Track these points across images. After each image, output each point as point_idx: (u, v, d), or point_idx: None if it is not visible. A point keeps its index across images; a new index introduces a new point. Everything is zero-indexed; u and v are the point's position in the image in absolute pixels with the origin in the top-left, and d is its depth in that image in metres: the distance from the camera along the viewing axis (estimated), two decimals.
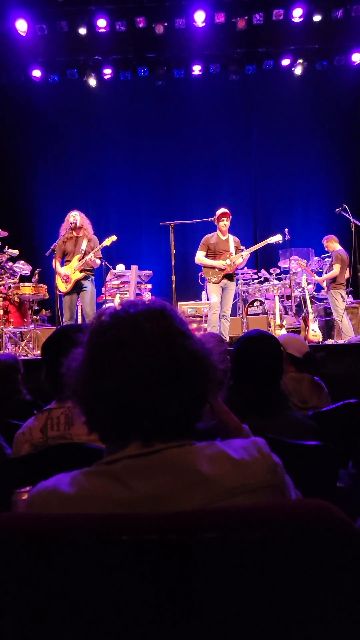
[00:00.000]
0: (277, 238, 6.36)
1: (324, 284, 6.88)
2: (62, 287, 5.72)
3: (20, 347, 5.93)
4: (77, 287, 5.71)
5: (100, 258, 5.80)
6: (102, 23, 7.66)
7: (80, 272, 5.67)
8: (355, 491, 1.65)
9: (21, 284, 6.22)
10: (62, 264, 5.75)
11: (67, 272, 5.67)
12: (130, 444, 0.82)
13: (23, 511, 1.04)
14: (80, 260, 5.63)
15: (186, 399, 0.83)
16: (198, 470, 0.80)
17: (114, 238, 5.86)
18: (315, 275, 7.00)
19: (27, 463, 1.49)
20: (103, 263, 6.18)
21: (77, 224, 5.68)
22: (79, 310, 6.31)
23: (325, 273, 6.94)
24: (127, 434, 0.82)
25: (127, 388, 0.80)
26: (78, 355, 0.88)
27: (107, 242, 5.79)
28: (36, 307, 6.72)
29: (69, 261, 5.71)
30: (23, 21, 7.59)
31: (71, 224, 5.66)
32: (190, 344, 0.85)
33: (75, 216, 5.70)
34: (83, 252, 5.67)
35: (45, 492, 0.82)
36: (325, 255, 7.30)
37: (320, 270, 7.33)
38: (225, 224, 5.88)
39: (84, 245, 5.69)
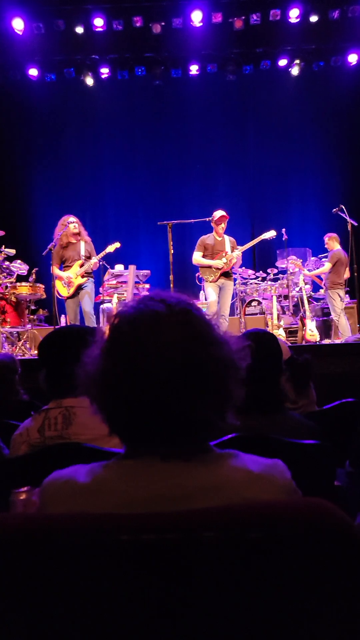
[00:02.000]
0: (271, 234, 6.37)
1: (322, 283, 6.89)
2: (63, 291, 5.74)
3: (17, 347, 5.91)
4: (78, 289, 5.74)
5: (100, 261, 5.85)
6: (99, 22, 7.65)
7: (82, 277, 5.71)
8: (353, 490, 1.65)
9: (18, 284, 6.20)
10: (61, 270, 5.78)
11: (70, 275, 5.69)
12: (151, 446, 0.81)
13: (21, 511, 1.04)
14: (82, 267, 5.66)
15: (210, 405, 0.81)
16: (217, 477, 0.79)
17: (117, 245, 5.89)
18: (305, 270, 7.02)
19: (24, 463, 1.49)
20: (101, 262, 6.20)
21: (77, 231, 5.72)
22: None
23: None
24: (149, 439, 0.81)
25: (149, 395, 0.78)
26: (95, 357, 0.84)
27: (111, 248, 5.84)
28: (33, 307, 6.70)
29: (69, 267, 5.73)
30: (19, 20, 7.56)
31: (69, 229, 5.67)
32: (215, 349, 0.81)
33: (75, 224, 5.71)
34: (84, 257, 5.68)
35: (61, 481, 0.81)
36: (323, 255, 7.31)
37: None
38: (223, 227, 5.93)
39: (82, 250, 5.71)
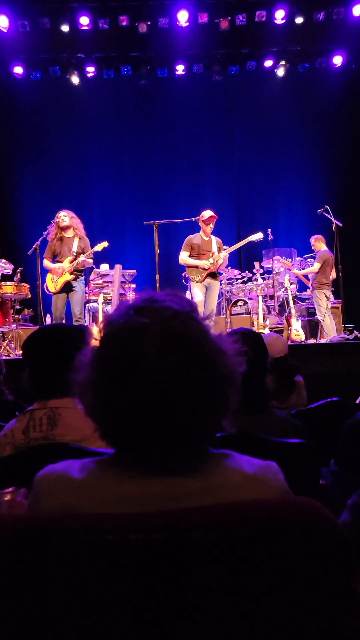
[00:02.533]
0: (258, 236, 6.39)
1: (309, 283, 6.95)
2: (51, 287, 5.68)
3: (2, 347, 5.86)
4: (67, 288, 5.66)
5: (92, 259, 5.79)
6: (84, 21, 7.61)
7: (71, 273, 5.64)
8: (337, 488, 1.66)
9: (3, 283, 6.15)
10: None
11: (63, 266, 5.60)
12: (148, 451, 0.79)
13: (6, 512, 1.03)
14: (72, 262, 5.59)
15: (209, 416, 0.80)
16: (212, 478, 0.79)
17: (105, 244, 5.83)
18: (294, 269, 7.07)
19: (9, 464, 1.47)
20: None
21: (64, 224, 5.63)
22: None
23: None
24: (142, 447, 0.79)
25: (145, 409, 0.75)
26: (86, 364, 0.82)
27: (99, 247, 5.77)
28: (18, 307, 6.65)
29: (60, 261, 5.67)
30: (4, 17, 7.49)
31: (54, 223, 5.62)
32: (214, 360, 0.79)
33: (63, 217, 5.65)
34: (75, 253, 5.63)
35: (54, 476, 0.81)
36: (308, 255, 7.37)
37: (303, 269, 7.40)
38: (211, 227, 5.92)
39: (74, 246, 5.65)
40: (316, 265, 6.73)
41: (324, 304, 6.65)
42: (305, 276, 7.09)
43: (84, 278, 5.85)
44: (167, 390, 0.75)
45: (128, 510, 0.73)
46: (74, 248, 5.63)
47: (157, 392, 0.75)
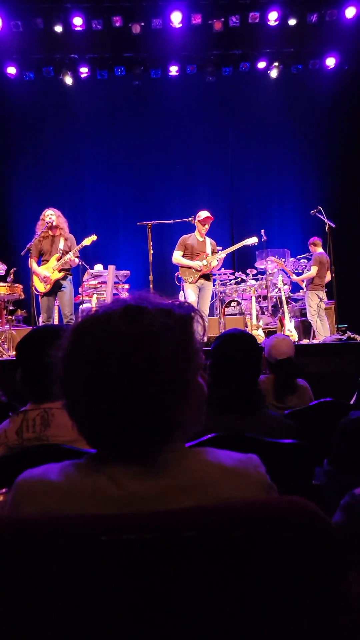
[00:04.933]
0: (252, 240, 6.42)
1: (303, 284, 6.97)
2: (40, 287, 5.64)
3: None
4: (56, 287, 5.63)
5: (78, 257, 5.75)
6: (78, 21, 7.60)
7: (60, 272, 5.61)
8: (331, 489, 1.67)
9: None
10: (39, 264, 5.67)
11: (46, 273, 5.59)
12: (122, 448, 0.80)
13: (0, 513, 1.02)
14: (58, 260, 5.56)
15: (180, 408, 0.80)
16: (191, 474, 0.79)
17: (94, 238, 5.78)
18: (293, 275, 7.09)
19: (2, 465, 1.47)
20: (80, 263, 6.12)
21: (54, 223, 5.60)
22: (56, 311, 6.24)
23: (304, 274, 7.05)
24: (118, 443, 0.80)
25: (113, 401, 0.76)
26: (59, 360, 0.83)
27: (87, 241, 5.72)
28: (11, 307, 6.62)
29: (47, 261, 5.63)
30: None
31: (47, 223, 5.58)
32: (173, 348, 0.80)
33: (51, 215, 5.61)
34: (61, 251, 5.59)
35: (32, 481, 0.80)
36: (301, 256, 7.40)
37: (297, 270, 7.42)
38: (207, 227, 5.92)
39: (61, 244, 5.62)
40: (313, 270, 6.76)
41: (315, 305, 6.69)
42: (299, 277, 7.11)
43: (72, 277, 5.82)
44: (128, 373, 0.76)
45: (108, 512, 0.73)
46: (61, 246, 5.60)
47: (120, 377, 0.76)
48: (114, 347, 0.77)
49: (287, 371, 2.76)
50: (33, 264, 5.60)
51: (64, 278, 5.65)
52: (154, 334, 0.79)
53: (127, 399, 0.76)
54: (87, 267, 6.77)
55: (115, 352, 0.77)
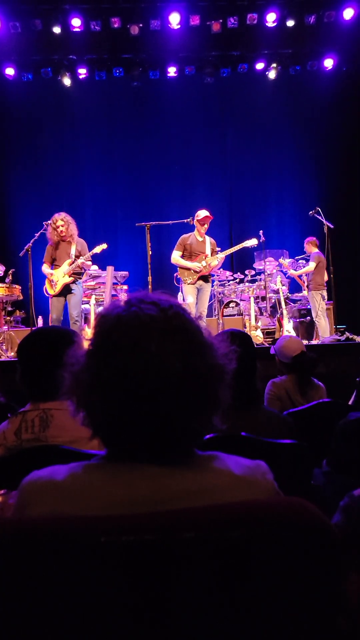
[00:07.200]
0: (252, 242, 6.42)
1: (304, 285, 6.97)
2: (50, 290, 5.70)
3: None
4: (65, 290, 5.68)
5: (90, 261, 5.80)
6: (76, 22, 7.61)
7: (70, 276, 5.65)
8: (329, 490, 1.67)
9: None
10: (52, 269, 5.73)
11: (57, 277, 5.65)
12: (135, 450, 0.80)
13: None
14: (70, 265, 5.60)
15: (201, 413, 0.80)
16: (201, 480, 0.78)
17: (104, 246, 5.82)
18: (291, 269, 7.09)
19: (0, 466, 1.47)
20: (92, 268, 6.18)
21: (63, 234, 5.63)
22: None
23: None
24: (134, 445, 0.79)
25: (139, 404, 0.76)
26: (80, 358, 0.82)
27: (98, 249, 5.77)
28: (10, 308, 6.62)
29: (58, 266, 5.68)
30: None
31: (60, 232, 5.60)
32: (207, 356, 0.80)
33: (61, 226, 5.63)
34: (73, 256, 5.65)
35: (40, 482, 0.79)
36: (300, 257, 7.40)
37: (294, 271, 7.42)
38: (206, 227, 5.91)
39: (73, 251, 5.67)
40: (312, 265, 6.75)
41: (317, 304, 6.69)
42: (300, 277, 7.11)
43: (81, 281, 5.86)
44: (165, 378, 0.75)
45: (116, 514, 0.72)
46: (72, 252, 5.65)
47: (155, 380, 0.75)
48: (154, 349, 0.76)
49: (305, 365, 2.82)
50: (44, 267, 5.67)
51: (74, 282, 5.69)
52: (199, 344, 0.80)
53: (159, 403, 0.76)
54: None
55: (155, 356, 0.76)
